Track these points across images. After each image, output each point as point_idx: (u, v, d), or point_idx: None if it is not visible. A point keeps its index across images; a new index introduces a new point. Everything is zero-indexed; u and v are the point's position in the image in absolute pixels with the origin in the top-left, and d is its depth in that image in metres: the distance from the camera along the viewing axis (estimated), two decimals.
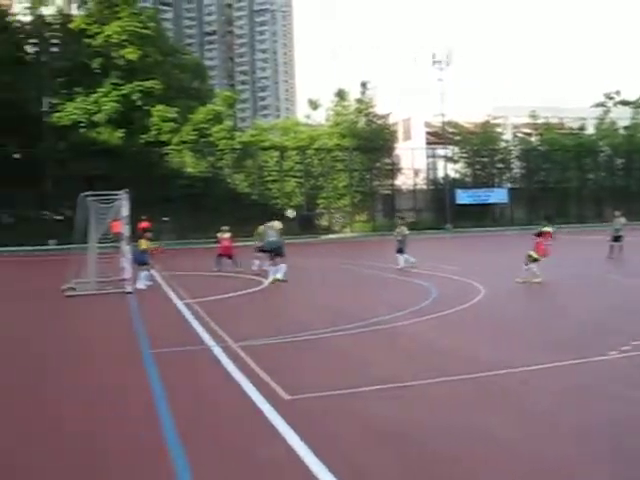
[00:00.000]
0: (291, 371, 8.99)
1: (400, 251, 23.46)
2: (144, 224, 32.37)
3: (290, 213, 30.03)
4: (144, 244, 20.47)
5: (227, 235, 24.58)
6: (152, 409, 7.28)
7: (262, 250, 21.40)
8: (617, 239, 25.68)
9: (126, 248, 18.68)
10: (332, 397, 7.60)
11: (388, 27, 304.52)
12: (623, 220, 26.67)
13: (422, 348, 10.47)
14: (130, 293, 17.77)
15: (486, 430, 6.39)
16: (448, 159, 61.38)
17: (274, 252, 20.19)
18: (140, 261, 20.12)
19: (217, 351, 10.15)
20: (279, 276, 19.66)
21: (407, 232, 24.07)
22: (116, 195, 18.75)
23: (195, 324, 12.78)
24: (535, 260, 18.09)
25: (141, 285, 19.69)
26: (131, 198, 18.80)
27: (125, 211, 18.33)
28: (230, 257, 24.30)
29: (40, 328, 13.67)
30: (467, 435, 6.28)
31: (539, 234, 18.80)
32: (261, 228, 21.56)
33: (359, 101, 60.77)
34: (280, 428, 6.46)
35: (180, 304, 15.82)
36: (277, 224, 21.16)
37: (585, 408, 7.08)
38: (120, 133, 51.65)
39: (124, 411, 7.39)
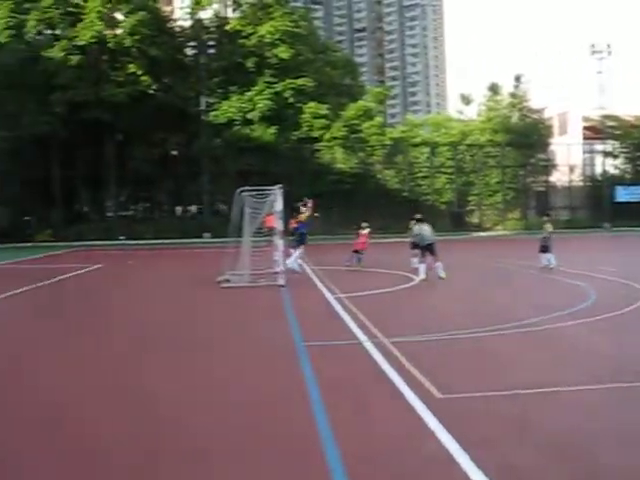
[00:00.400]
0: (443, 369, 8.84)
1: (544, 250, 22.26)
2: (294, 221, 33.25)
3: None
4: (304, 216, 20.92)
5: (365, 231, 24.05)
6: (305, 402, 7.32)
7: (414, 246, 21.07)
8: None
9: (279, 242, 18.97)
10: (485, 398, 7.42)
11: (543, 17, 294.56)
12: None
13: (580, 352, 10.03)
14: (282, 286, 18.03)
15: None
16: (607, 154, 58.57)
17: (426, 249, 19.87)
18: (301, 234, 20.43)
19: (369, 346, 10.12)
20: (441, 274, 19.29)
21: (550, 230, 22.71)
22: (270, 190, 19.10)
23: (346, 318, 12.82)
24: None
25: (294, 264, 19.89)
26: (283, 193, 19.09)
27: (279, 206, 18.61)
28: (359, 252, 23.68)
29: (198, 316, 14.26)
30: (620, 444, 5.93)
31: None
32: (415, 229, 21.06)
33: (513, 95, 59.21)
34: (433, 427, 6.34)
35: (331, 298, 15.94)
36: (426, 227, 20.54)
37: None
38: (273, 130, 52.94)
39: (278, 399, 7.53)
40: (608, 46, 56.61)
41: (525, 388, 7.71)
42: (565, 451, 5.79)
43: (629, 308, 13.53)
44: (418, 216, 21.39)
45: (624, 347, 10.09)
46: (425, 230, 20.27)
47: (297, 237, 21.11)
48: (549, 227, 22.78)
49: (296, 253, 20.65)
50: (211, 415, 7.04)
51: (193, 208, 60.42)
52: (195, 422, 6.79)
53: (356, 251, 23.47)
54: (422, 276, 19.23)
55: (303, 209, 21.20)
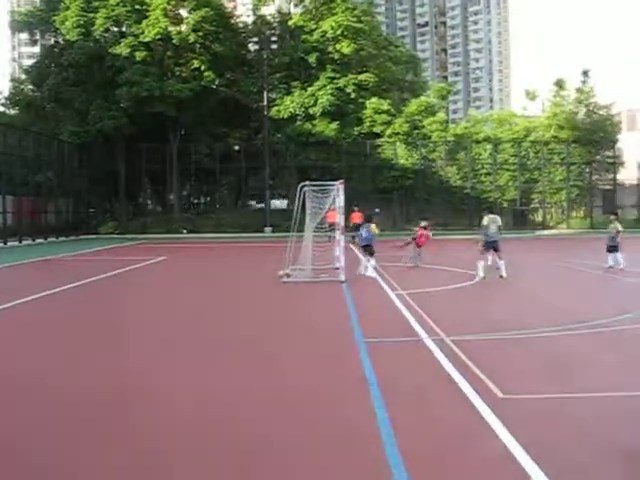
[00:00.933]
0: (506, 369, 8.72)
1: (612, 249, 21.51)
2: (356, 215, 33.24)
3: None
4: (374, 228, 20.80)
5: (422, 227, 23.63)
6: (366, 399, 7.26)
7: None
8: None
9: (341, 237, 18.92)
10: (548, 400, 7.29)
11: (612, 9, 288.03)
12: None
13: None
14: (343, 282, 17.99)
15: None
16: None
17: (490, 246, 19.62)
18: (368, 245, 20.35)
19: (430, 344, 10.03)
20: (503, 274, 19.01)
21: (620, 229, 21.96)
22: (332, 185, 19.07)
23: (408, 315, 12.73)
24: None
25: (371, 273, 19.82)
26: (345, 189, 19.02)
27: (340, 201, 18.57)
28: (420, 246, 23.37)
29: (260, 312, 14.26)
30: None
31: None
32: (485, 220, 20.45)
33: (579, 91, 57.86)
34: (494, 427, 6.26)
35: (392, 295, 15.86)
36: (497, 218, 20.21)
37: None
38: (335, 125, 52.96)
39: (338, 395, 7.51)
40: None
41: (591, 391, 7.56)
42: (625, 457, 5.63)
43: None
44: (493, 216, 20.51)
45: None
46: (492, 226, 19.80)
47: (366, 249, 20.58)
48: (617, 225, 22.10)
49: (372, 262, 20.35)
50: (272, 410, 7.04)
51: (254, 203, 60.97)
52: (254, 416, 6.83)
53: (418, 246, 23.26)
54: (481, 274, 18.89)
55: (372, 224, 20.80)
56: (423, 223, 23.86)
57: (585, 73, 58.08)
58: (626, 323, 11.71)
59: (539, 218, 56.56)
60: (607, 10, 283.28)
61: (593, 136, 56.20)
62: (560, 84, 58.31)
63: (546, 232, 52.21)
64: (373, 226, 20.85)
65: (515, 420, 6.43)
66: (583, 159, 56.51)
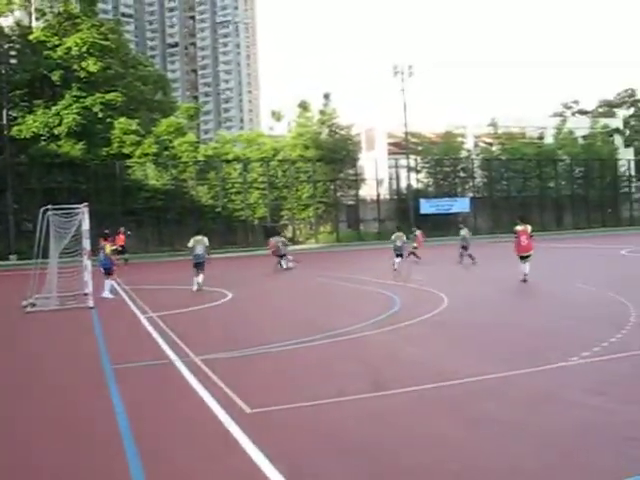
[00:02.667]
0: (254, 384, 8.98)
1: (398, 255, 26.48)
2: (120, 237, 34.06)
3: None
4: (108, 248, 20.46)
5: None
6: (113, 425, 7.21)
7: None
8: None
9: (87, 262, 18.49)
10: (295, 410, 7.61)
11: (351, 39, 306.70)
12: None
13: (387, 358, 10.48)
14: (92, 308, 17.58)
15: (447, 440, 6.44)
16: (411, 169, 61.64)
17: (195, 266, 21.57)
18: (106, 268, 20.13)
19: (179, 365, 10.10)
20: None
21: (469, 235, 28.47)
22: (77, 208, 18.58)
23: (158, 338, 12.68)
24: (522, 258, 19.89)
25: (107, 294, 19.63)
26: (93, 211, 18.66)
27: (85, 225, 18.12)
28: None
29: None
30: (429, 445, 6.34)
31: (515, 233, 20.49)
32: (191, 241, 22.04)
33: (322, 112, 60.92)
34: (242, 442, 6.44)
35: (143, 318, 15.71)
36: (205, 239, 22.06)
37: (547, 415, 7.15)
38: (81, 146, 51.12)
39: (84, 428, 7.33)
40: (409, 67, 59.63)
41: (332, 397, 7.98)
42: (364, 456, 6.08)
43: (432, 313, 14.46)
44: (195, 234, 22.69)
45: (425, 352, 10.74)
46: (198, 247, 21.71)
47: (105, 270, 20.57)
48: (468, 232, 28.60)
49: (107, 284, 20.21)
50: (9, 454, 6.77)
51: None
52: None
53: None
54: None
55: (104, 243, 20.72)
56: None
57: (326, 96, 61.28)
58: (362, 330, 12.58)
59: (289, 234, 58.46)
60: (347, 37, 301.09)
61: (336, 155, 59.29)
62: (304, 106, 60.97)
63: (297, 247, 54.10)
64: (107, 246, 20.64)
65: (262, 433, 6.67)
66: (328, 177, 59.28)
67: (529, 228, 20.28)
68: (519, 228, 20.24)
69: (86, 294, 18.35)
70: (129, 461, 6.13)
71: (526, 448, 6.12)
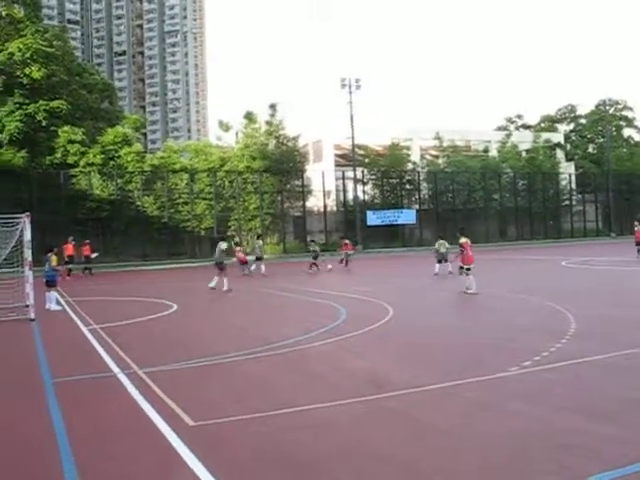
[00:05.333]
0: (197, 396, 8.93)
1: (440, 261, 27.62)
2: (69, 247, 34.43)
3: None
4: (55, 260, 20.14)
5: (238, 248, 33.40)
6: (52, 439, 7.10)
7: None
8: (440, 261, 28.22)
9: (29, 273, 18.13)
10: (238, 422, 7.58)
11: (299, 51, 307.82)
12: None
13: (330, 370, 10.49)
14: (33, 320, 17.24)
15: (389, 452, 6.46)
16: (357, 181, 61.98)
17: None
18: (51, 280, 19.84)
19: (122, 378, 9.99)
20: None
21: (447, 246, 28.14)
22: (17, 218, 18.23)
23: (100, 351, 12.52)
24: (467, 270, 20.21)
25: (53, 306, 19.34)
26: (36, 221, 18.32)
27: (27, 235, 17.79)
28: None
29: None
30: (366, 457, 6.35)
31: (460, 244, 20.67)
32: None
33: (269, 123, 60.87)
34: (184, 456, 6.40)
35: (86, 330, 15.47)
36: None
37: (485, 425, 7.25)
38: (23, 154, 50.19)
39: (20, 443, 7.18)
40: (357, 80, 60.11)
41: (275, 409, 8.00)
42: (306, 470, 6.11)
43: (376, 324, 14.56)
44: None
45: (368, 363, 10.77)
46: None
47: (46, 282, 20.30)
48: (445, 243, 27.87)
49: (52, 296, 19.93)
50: None
51: None
52: None
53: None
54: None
55: (50, 254, 20.43)
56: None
57: (273, 107, 61.18)
58: (310, 341, 12.62)
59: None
60: (295, 49, 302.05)
61: (283, 166, 59.31)
62: (250, 117, 60.80)
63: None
64: (53, 258, 20.34)
65: (205, 446, 6.64)
66: (275, 188, 59.25)
67: (469, 241, 20.86)
68: (464, 240, 20.60)
69: (27, 306, 17.99)
70: (66, 476, 6.03)
71: (464, 458, 6.20)
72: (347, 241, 37.04)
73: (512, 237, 68.87)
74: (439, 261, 27.91)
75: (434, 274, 27.17)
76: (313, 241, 39.51)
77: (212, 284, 24.42)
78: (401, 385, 8.98)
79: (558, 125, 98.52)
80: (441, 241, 28.29)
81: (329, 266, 32.94)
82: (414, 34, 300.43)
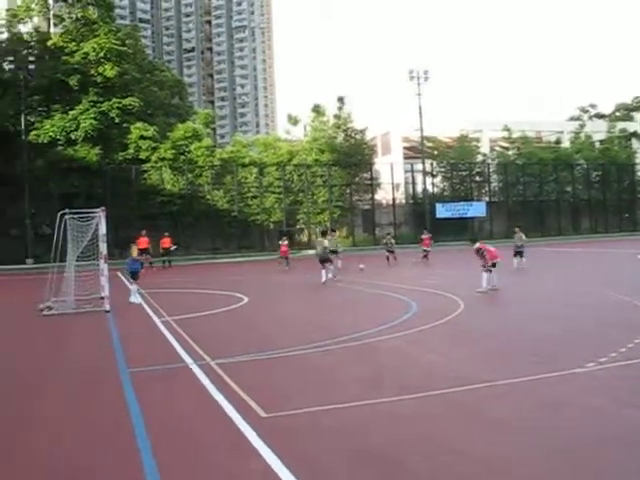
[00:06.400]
0: (269, 388, 9.00)
1: (518, 254, 27.36)
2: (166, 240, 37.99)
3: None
4: (135, 251, 20.53)
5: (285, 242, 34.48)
6: (129, 429, 7.24)
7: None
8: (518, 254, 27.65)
9: (104, 266, 18.55)
10: (309, 414, 7.61)
11: (367, 43, 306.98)
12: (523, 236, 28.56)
13: (402, 364, 10.45)
14: (108, 312, 17.65)
15: (464, 447, 6.40)
16: (426, 173, 61.41)
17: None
18: (133, 271, 20.25)
19: (195, 369, 10.14)
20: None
21: (525, 238, 28.28)
22: (94, 212, 18.68)
23: (174, 342, 12.73)
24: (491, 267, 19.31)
25: (135, 299, 19.73)
26: (110, 216, 18.72)
27: (102, 229, 18.21)
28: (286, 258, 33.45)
29: (15, 347, 13.57)
30: (445, 453, 6.30)
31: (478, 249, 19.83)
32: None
33: (337, 116, 60.77)
34: (257, 446, 6.46)
35: (159, 322, 15.76)
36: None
37: (560, 422, 7.11)
38: (97, 150, 51.34)
39: (100, 433, 7.34)
40: (425, 72, 59.51)
41: (344, 402, 7.98)
42: (380, 463, 6.09)
43: (447, 318, 14.43)
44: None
45: (439, 357, 10.70)
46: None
47: (130, 274, 20.77)
48: (522, 235, 28.03)
49: (134, 288, 20.35)
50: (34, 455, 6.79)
51: (14, 232, 57.34)
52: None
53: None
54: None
55: (133, 246, 20.86)
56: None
57: (341, 100, 61.05)
58: (377, 335, 12.55)
59: (305, 238, 58.41)
60: (363, 41, 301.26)
61: (352, 159, 59.13)
62: (318, 110, 60.77)
63: (311, 252, 53.91)
64: (134, 248, 20.77)
65: (277, 438, 6.67)
66: (344, 181, 59.13)
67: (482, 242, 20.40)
68: (478, 245, 19.96)
69: (102, 298, 18.42)
70: (144, 465, 6.16)
71: (538, 453, 6.11)
72: (425, 235, 36.37)
73: (585, 230, 67.08)
74: (516, 254, 27.50)
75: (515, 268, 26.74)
76: (389, 234, 38.99)
77: (323, 279, 24.11)
78: (473, 379, 8.89)
79: (634, 114, 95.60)
80: (519, 234, 28.15)
81: (361, 265, 30.58)
82: (483, 24, 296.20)
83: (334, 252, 29.96)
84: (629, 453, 6.09)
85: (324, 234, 26.39)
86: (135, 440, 6.87)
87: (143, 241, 35.91)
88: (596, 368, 9.24)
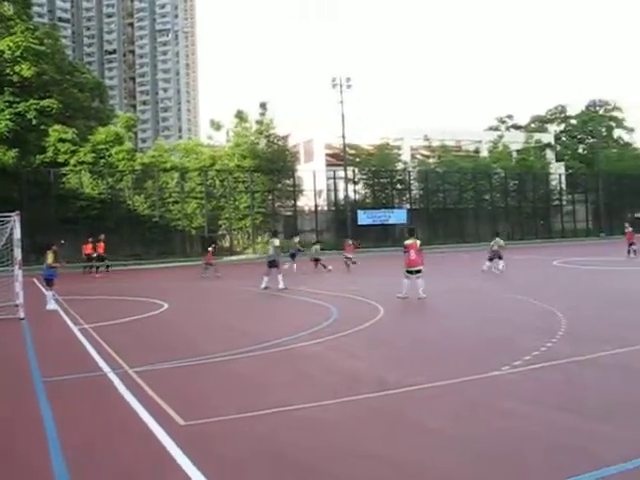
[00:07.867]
0: (187, 396, 8.90)
1: (491, 259, 28.50)
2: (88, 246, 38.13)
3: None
4: (50, 258, 19.99)
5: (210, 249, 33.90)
6: (42, 440, 7.06)
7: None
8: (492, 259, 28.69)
9: (19, 272, 18.04)
10: (229, 421, 7.56)
11: (290, 49, 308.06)
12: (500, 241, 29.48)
13: (321, 369, 10.48)
14: (23, 319, 17.18)
15: (383, 452, 6.44)
16: (348, 180, 61.93)
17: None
18: (49, 278, 19.76)
19: (112, 377, 9.96)
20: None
21: (502, 243, 29.29)
22: (7, 217, 18.15)
23: (91, 350, 12.47)
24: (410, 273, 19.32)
25: (52, 306, 19.28)
26: (26, 220, 18.23)
27: (17, 233, 17.70)
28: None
29: None
30: (362, 457, 6.33)
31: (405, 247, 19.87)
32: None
33: (259, 122, 60.76)
34: (175, 455, 6.37)
35: (76, 329, 15.41)
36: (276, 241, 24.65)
37: (477, 424, 7.25)
38: (14, 153, 49.91)
39: (10, 442, 7.15)
40: (347, 80, 60.06)
41: (267, 408, 7.97)
42: (297, 468, 6.09)
43: (367, 324, 14.54)
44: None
45: (360, 362, 10.77)
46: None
47: (45, 281, 20.28)
48: (500, 241, 29.12)
49: (49, 294, 19.87)
50: None
51: None
52: None
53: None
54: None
55: (49, 252, 20.30)
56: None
57: (263, 105, 61.05)
58: (299, 341, 12.61)
59: (227, 244, 58.05)
60: (285, 49, 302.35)
61: (274, 165, 59.24)
62: (240, 116, 60.62)
63: (233, 257, 53.82)
64: (49, 255, 20.23)
65: (195, 446, 6.60)
66: (266, 187, 59.11)
67: (418, 243, 19.92)
68: (408, 242, 19.73)
69: (17, 305, 17.90)
70: (57, 476, 6.01)
71: (458, 457, 6.20)
72: (350, 242, 35.49)
73: (503, 237, 68.79)
74: (490, 259, 28.63)
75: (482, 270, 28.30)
76: (319, 242, 38.79)
77: (263, 285, 23.60)
78: (392, 384, 8.96)
79: (548, 125, 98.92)
80: (497, 239, 29.26)
81: (329, 267, 32.22)
82: (405, 34, 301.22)
83: (317, 260, 30.81)
84: (532, 448, 6.25)
85: (275, 234, 25.93)
86: (49, 453, 6.66)
87: (88, 247, 38.27)
88: (511, 371, 9.46)
